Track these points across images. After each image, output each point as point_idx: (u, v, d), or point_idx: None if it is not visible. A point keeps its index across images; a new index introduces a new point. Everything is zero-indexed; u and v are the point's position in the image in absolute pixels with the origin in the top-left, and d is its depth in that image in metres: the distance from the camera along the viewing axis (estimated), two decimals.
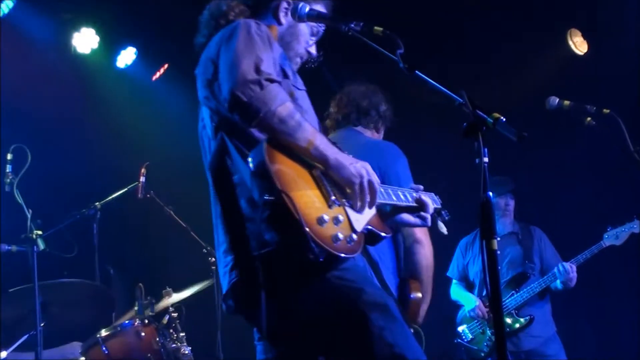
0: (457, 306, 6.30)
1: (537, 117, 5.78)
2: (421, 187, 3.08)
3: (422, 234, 3.82)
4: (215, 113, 2.63)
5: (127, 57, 7.20)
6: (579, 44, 7.09)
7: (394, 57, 2.53)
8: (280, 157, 2.40)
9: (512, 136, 2.30)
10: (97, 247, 5.68)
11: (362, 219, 2.56)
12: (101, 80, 7.14)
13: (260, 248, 2.41)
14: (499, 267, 5.96)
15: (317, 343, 2.55)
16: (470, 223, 5.76)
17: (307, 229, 2.28)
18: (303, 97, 2.76)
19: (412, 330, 3.47)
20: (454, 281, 6.40)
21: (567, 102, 4.21)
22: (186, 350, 5.24)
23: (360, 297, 2.45)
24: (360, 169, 2.53)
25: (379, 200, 2.65)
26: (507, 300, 5.87)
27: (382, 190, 2.74)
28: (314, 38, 2.96)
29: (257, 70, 2.42)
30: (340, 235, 2.38)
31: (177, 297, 5.44)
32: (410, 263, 3.82)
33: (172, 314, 5.37)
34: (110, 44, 7.08)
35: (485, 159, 2.31)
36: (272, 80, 2.43)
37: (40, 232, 4.68)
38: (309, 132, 2.46)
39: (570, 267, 5.70)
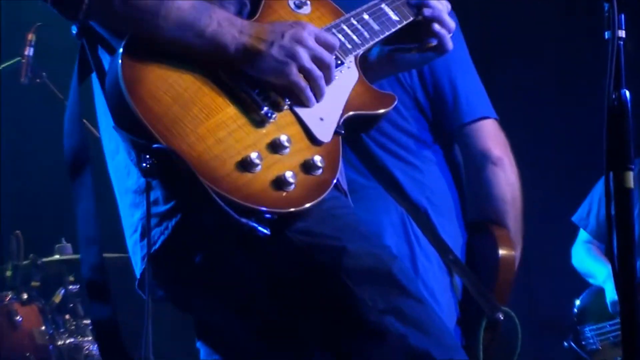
0: (576, 279, 6.30)
1: None
2: None
3: (498, 148, 3.77)
4: None
5: None
6: None
7: None
8: (149, 73, 2.39)
9: None
10: None
11: (331, 111, 2.58)
12: None
13: (170, 215, 2.47)
14: None
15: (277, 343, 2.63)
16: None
17: (223, 195, 2.29)
18: None
19: (500, 315, 3.49)
20: (584, 236, 6.33)
21: None
22: (92, 348, 5.30)
23: (340, 262, 2.46)
24: (288, 44, 2.50)
25: (357, 51, 2.72)
26: None
27: (348, 32, 2.74)
28: None
29: None
30: (289, 176, 2.39)
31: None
32: (486, 199, 3.82)
33: (70, 288, 5.45)
34: None
35: (621, 33, 2.34)
36: None
37: None
38: (183, 7, 2.44)
39: None
